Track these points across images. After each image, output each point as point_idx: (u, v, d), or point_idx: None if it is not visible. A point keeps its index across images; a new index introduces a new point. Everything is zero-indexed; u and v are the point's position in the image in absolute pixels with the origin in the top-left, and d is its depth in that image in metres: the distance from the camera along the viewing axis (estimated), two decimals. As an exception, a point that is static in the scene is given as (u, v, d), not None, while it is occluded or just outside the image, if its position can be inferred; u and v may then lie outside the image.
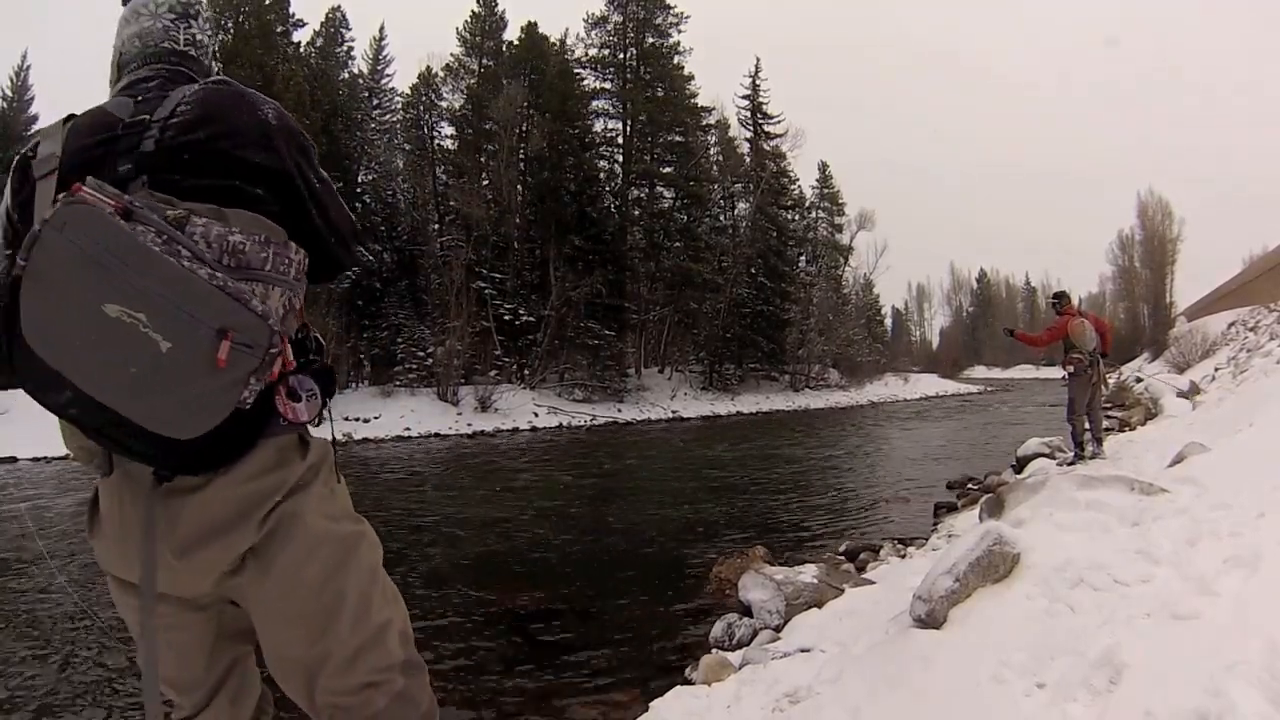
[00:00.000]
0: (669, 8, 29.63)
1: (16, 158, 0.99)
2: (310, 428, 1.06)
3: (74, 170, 0.91)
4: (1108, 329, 6.81)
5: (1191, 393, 10.34)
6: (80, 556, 6.02)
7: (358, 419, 17.79)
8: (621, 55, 29.58)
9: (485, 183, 26.15)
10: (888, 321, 56.05)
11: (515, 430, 18.82)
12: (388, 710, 1.07)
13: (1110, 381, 10.27)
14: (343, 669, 1.04)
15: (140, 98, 1.02)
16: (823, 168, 38.67)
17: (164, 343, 0.82)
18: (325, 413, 1.07)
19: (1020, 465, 7.56)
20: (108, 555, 1.03)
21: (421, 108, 27.36)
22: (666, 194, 30.21)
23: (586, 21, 29.65)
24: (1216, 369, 12.23)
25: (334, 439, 1.12)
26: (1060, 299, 6.91)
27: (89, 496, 1.05)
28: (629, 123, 29.30)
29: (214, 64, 1.23)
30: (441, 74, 27.49)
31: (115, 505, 1.00)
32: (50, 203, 0.87)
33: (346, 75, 26.63)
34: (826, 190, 38.67)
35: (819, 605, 3.61)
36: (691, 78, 30.36)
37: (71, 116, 1.01)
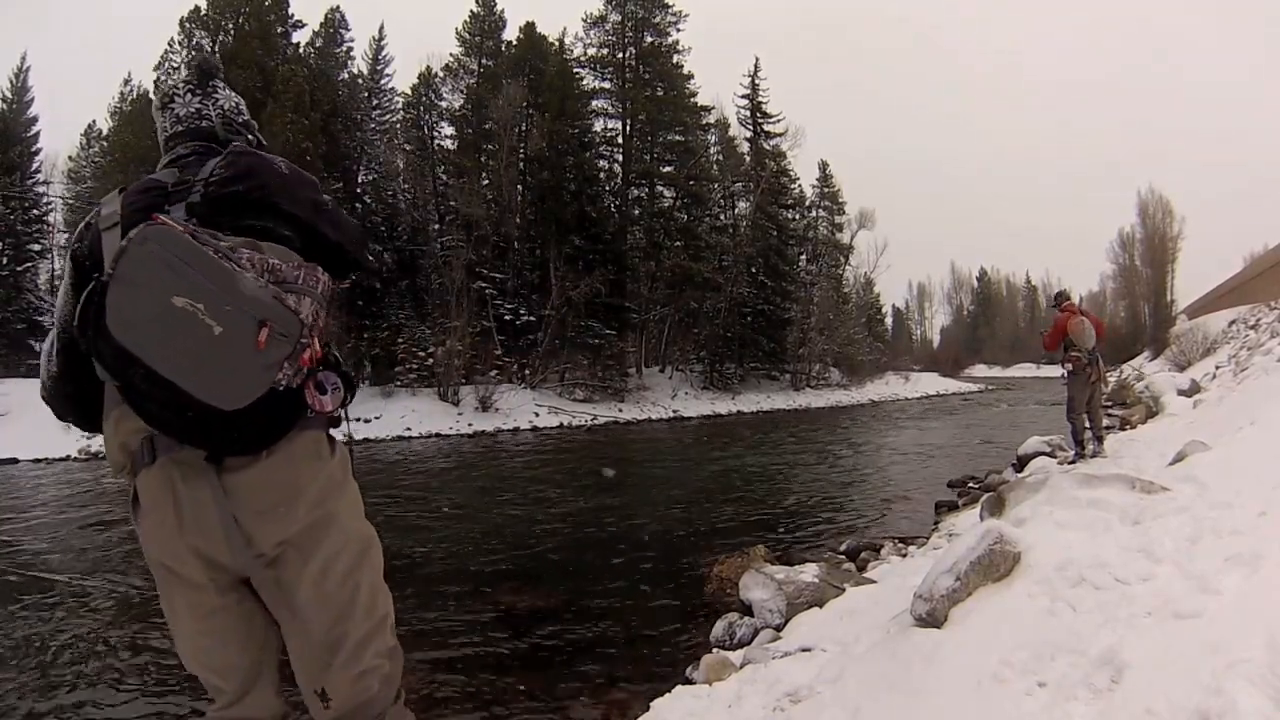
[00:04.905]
0: (667, 6, 29.55)
1: (83, 223, 1.25)
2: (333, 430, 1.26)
3: (134, 218, 1.13)
4: (1102, 327, 6.88)
5: (1192, 391, 10.31)
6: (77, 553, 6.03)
7: (358, 419, 17.47)
8: (621, 54, 29.49)
9: (485, 183, 26.11)
10: (888, 320, 56.16)
11: (516, 430, 18.81)
12: (380, 694, 1.26)
13: (1110, 380, 10.26)
14: (354, 653, 1.22)
15: (182, 168, 1.27)
16: (823, 166, 38.68)
17: (216, 328, 1.03)
18: (344, 411, 1.28)
19: (1021, 464, 7.55)
20: (154, 541, 1.17)
21: (421, 108, 27.34)
22: (666, 193, 30.14)
23: (585, 21, 29.64)
24: (1217, 367, 12.19)
25: (350, 439, 1.33)
26: (1061, 297, 6.96)
27: (129, 495, 1.19)
28: (629, 122, 29.23)
29: (247, 131, 1.43)
30: (441, 74, 27.47)
31: (163, 489, 1.14)
32: (117, 244, 1.09)
33: (346, 76, 26.45)
34: (827, 189, 38.65)
35: (820, 604, 3.60)
36: (691, 76, 30.32)
37: (124, 189, 1.24)
